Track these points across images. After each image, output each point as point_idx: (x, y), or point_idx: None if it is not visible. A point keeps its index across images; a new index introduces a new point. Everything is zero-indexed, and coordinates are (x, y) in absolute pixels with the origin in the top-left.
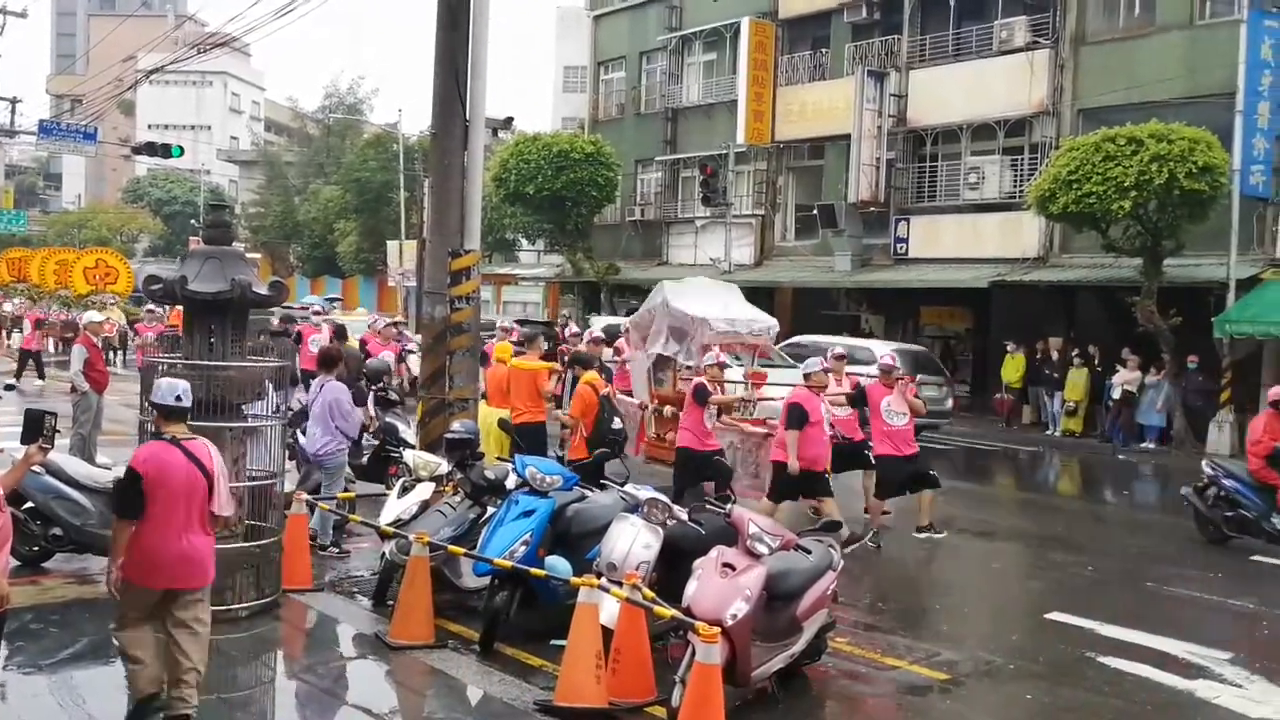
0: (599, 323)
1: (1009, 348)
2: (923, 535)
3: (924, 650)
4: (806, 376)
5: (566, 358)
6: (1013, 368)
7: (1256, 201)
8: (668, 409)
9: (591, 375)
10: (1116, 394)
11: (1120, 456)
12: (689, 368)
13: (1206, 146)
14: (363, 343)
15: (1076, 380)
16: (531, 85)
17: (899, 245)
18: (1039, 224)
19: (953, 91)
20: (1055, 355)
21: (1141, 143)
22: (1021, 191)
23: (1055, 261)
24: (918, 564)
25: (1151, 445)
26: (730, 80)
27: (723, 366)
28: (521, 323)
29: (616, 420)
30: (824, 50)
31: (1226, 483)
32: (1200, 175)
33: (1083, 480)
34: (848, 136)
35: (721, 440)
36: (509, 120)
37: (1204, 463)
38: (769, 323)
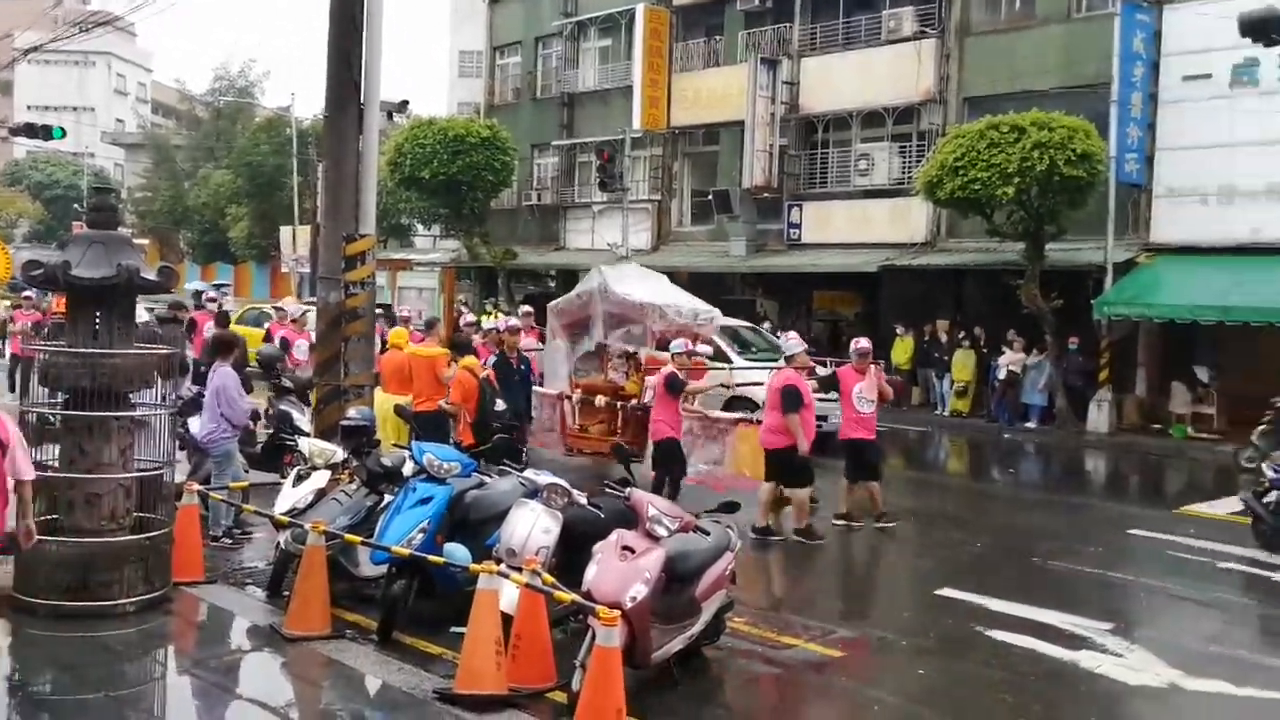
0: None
1: (898, 330)
2: (841, 523)
3: (819, 628)
4: (790, 359)
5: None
6: (902, 350)
7: (1131, 188)
8: (600, 399)
9: (470, 360)
10: (1002, 374)
11: (1006, 435)
12: (630, 355)
13: (1084, 135)
14: (268, 332)
15: (964, 362)
16: (427, 70)
17: (792, 230)
18: (927, 209)
19: (843, 79)
20: (943, 337)
21: (1024, 131)
22: (910, 178)
23: (942, 246)
24: (814, 544)
25: (1034, 424)
26: (626, 66)
27: (691, 355)
28: (384, 307)
29: (499, 403)
30: (718, 37)
31: None
32: (1079, 162)
33: (970, 459)
34: (742, 123)
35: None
36: (404, 104)
37: (1265, 465)
38: (712, 311)
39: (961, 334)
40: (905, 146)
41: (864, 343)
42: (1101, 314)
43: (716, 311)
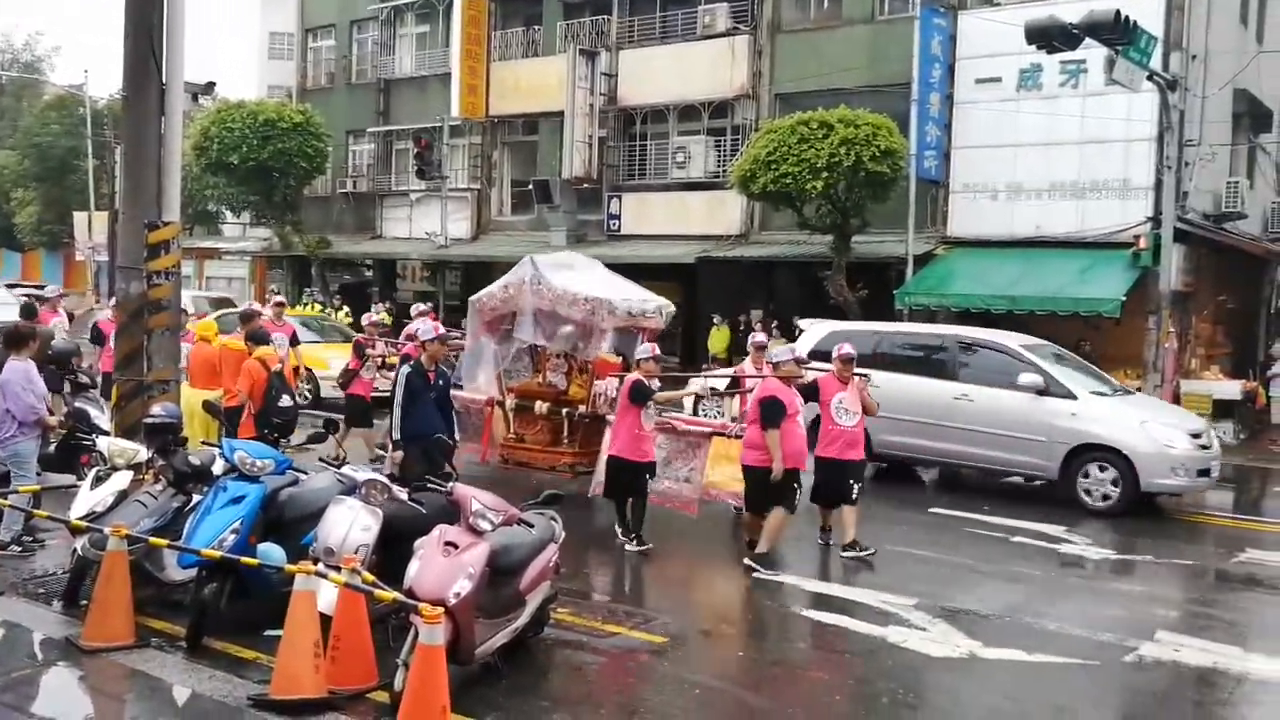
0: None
1: (715, 320)
2: (849, 554)
3: (642, 616)
4: (775, 366)
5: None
6: (718, 339)
7: (930, 184)
8: (539, 405)
9: (265, 350)
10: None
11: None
12: (570, 355)
13: (887, 132)
14: (95, 327)
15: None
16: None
17: (612, 221)
18: (741, 202)
19: (661, 73)
20: (757, 327)
21: (832, 127)
22: (725, 171)
23: (756, 238)
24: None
25: None
26: (444, 53)
27: (658, 359)
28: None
29: (285, 398)
30: (536, 27)
31: None
32: (882, 159)
33: None
34: (561, 113)
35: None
36: (210, 85)
37: None
38: (662, 303)
39: (774, 323)
40: (720, 140)
41: (848, 348)
42: (903, 304)
43: (668, 303)
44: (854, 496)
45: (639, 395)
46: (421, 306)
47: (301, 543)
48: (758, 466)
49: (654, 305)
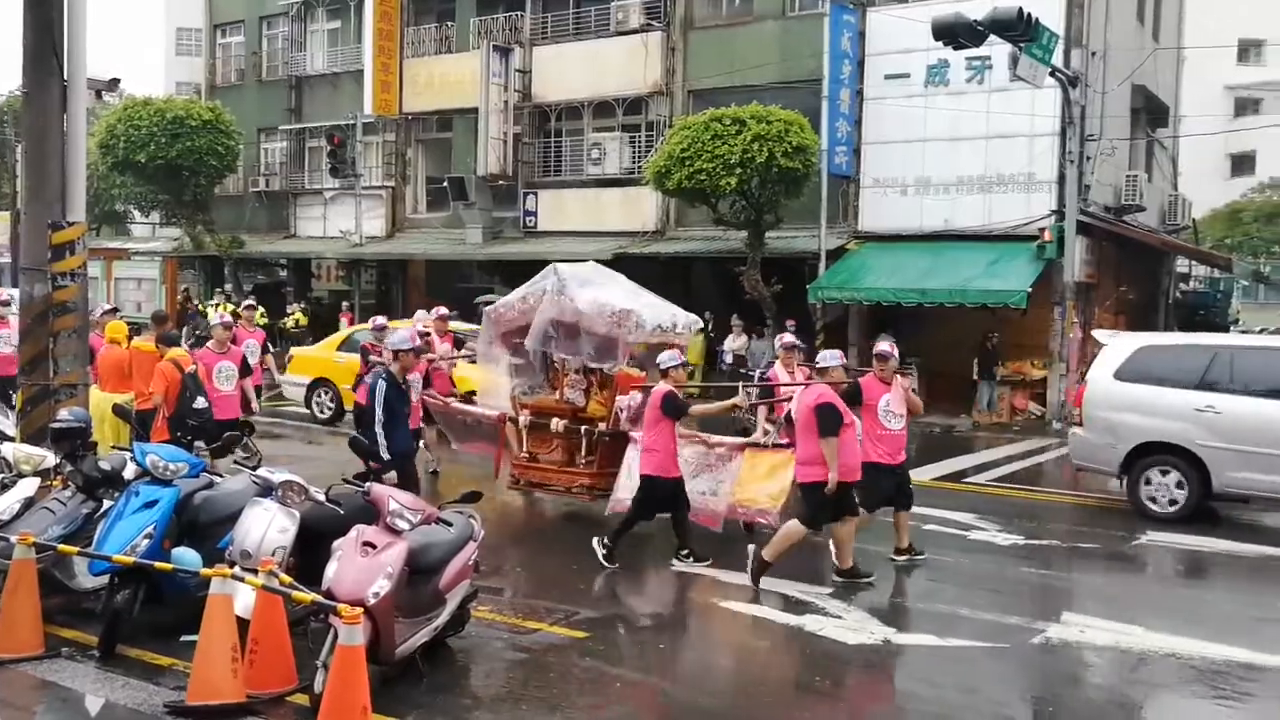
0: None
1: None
2: (904, 559)
3: (563, 611)
4: (822, 372)
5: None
6: (694, 348)
7: (841, 179)
8: (556, 422)
9: (177, 352)
10: (729, 359)
11: (733, 415)
12: (590, 371)
13: (799, 128)
14: None
15: (694, 345)
16: (141, 45)
17: (528, 218)
18: (656, 199)
19: (574, 69)
20: (790, 326)
21: (744, 123)
22: (640, 167)
23: (672, 234)
24: (554, 528)
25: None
26: (356, 50)
27: (686, 367)
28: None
29: (200, 400)
30: (449, 23)
31: None
32: (795, 155)
33: None
34: (476, 110)
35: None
36: (115, 81)
37: None
38: (691, 319)
39: (793, 324)
40: (635, 137)
41: (884, 346)
42: (816, 298)
43: (696, 319)
44: (910, 502)
45: (672, 409)
46: (442, 310)
47: (218, 546)
48: (819, 483)
49: (684, 321)
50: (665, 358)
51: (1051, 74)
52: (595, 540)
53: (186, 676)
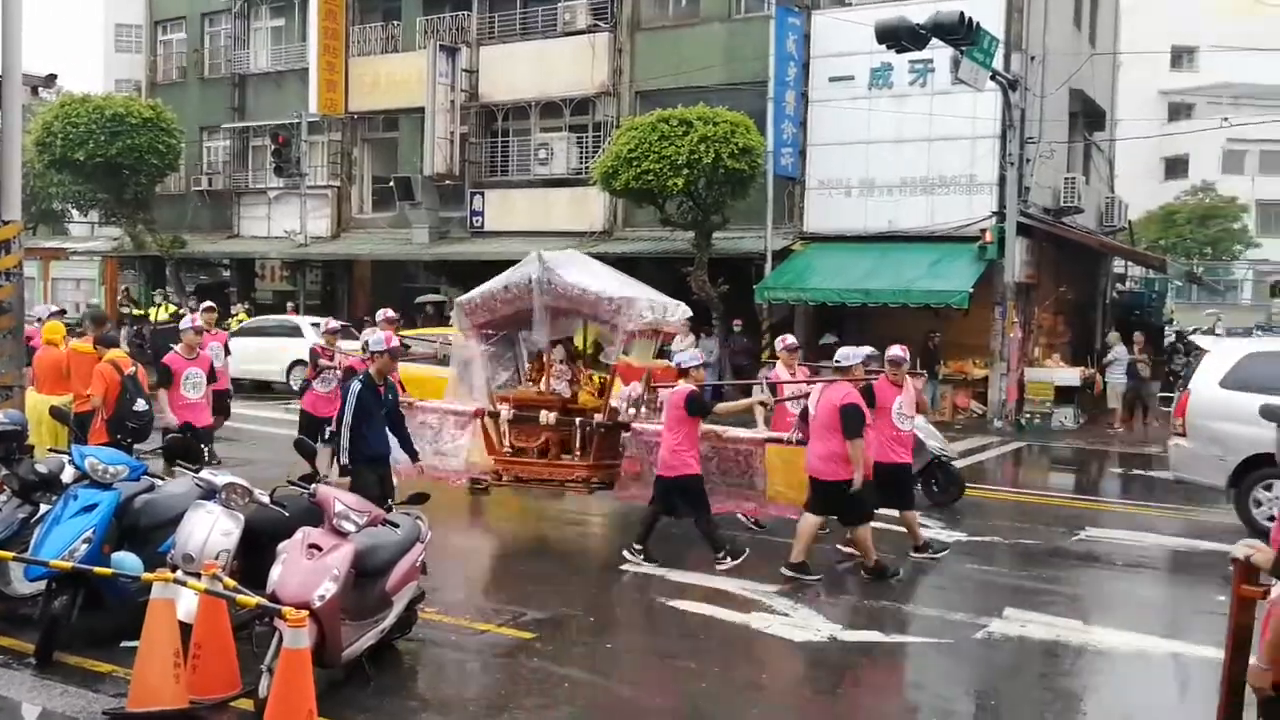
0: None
1: None
2: (922, 556)
3: (511, 612)
4: (846, 370)
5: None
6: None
7: (787, 180)
8: (546, 414)
9: (116, 353)
10: (675, 359)
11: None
12: (573, 359)
13: (745, 130)
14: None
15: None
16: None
17: (475, 218)
18: (604, 199)
19: (522, 69)
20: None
21: (691, 125)
22: (588, 168)
23: (619, 235)
24: (502, 529)
25: None
26: (300, 48)
27: (705, 365)
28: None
29: (140, 402)
30: (396, 22)
31: None
32: (741, 156)
33: None
34: (422, 110)
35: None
36: (52, 78)
37: None
38: (683, 308)
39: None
40: (583, 137)
41: (898, 350)
42: (762, 298)
43: (686, 308)
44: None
45: (697, 408)
46: (389, 313)
47: (159, 550)
48: (832, 480)
49: (674, 308)
50: (686, 358)
51: (992, 77)
52: (625, 550)
53: (127, 683)
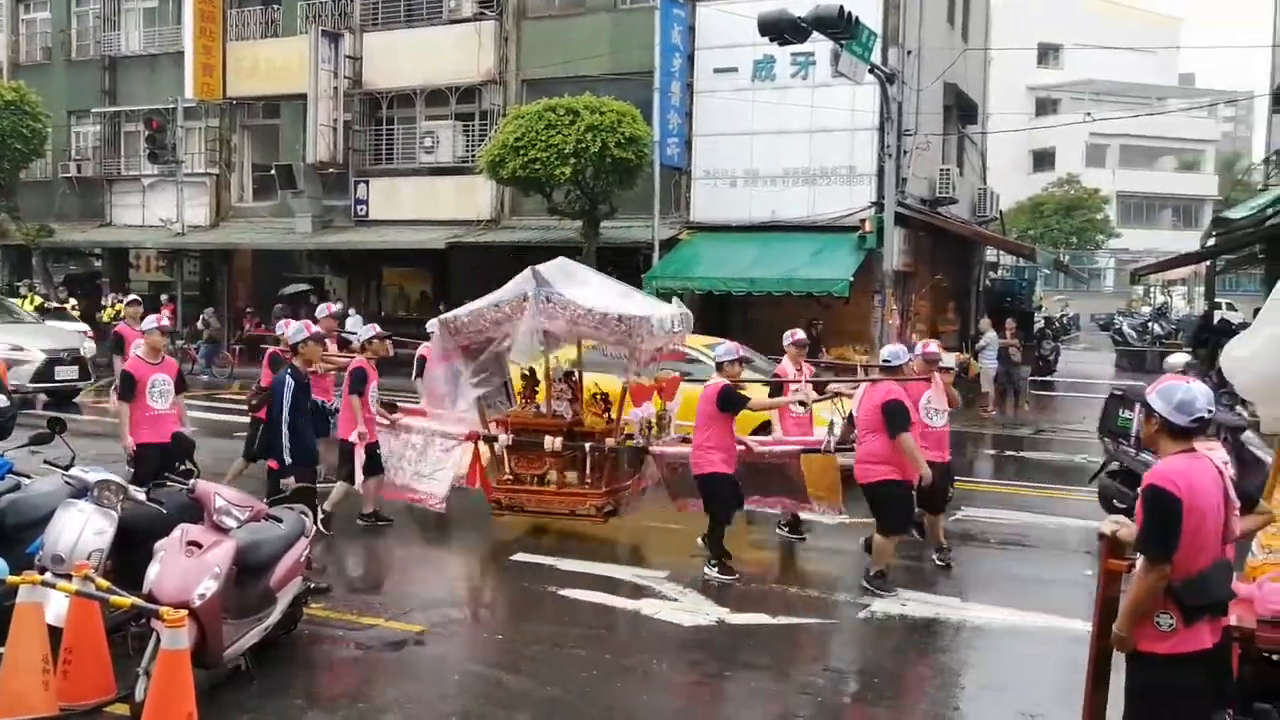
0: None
1: None
2: (940, 557)
3: (399, 606)
4: (894, 370)
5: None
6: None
7: (673, 170)
8: (550, 440)
9: None
10: (714, 353)
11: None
12: (567, 376)
13: (632, 119)
14: (116, 334)
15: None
16: None
17: (360, 207)
18: (491, 188)
19: (406, 56)
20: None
21: (578, 114)
22: (474, 156)
23: (507, 223)
24: (391, 527)
25: None
26: (175, 30)
27: (744, 362)
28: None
29: (1, 398)
30: (276, 6)
31: None
32: (628, 145)
33: None
34: (304, 96)
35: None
36: None
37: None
38: (686, 314)
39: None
40: (469, 126)
41: (933, 348)
42: (650, 287)
43: (689, 313)
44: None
45: (730, 403)
46: (334, 308)
47: (27, 552)
48: (881, 481)
49: (679, 318)
50: (721, 351)
51: (870, 71)
52: (706, 567)
53: None
